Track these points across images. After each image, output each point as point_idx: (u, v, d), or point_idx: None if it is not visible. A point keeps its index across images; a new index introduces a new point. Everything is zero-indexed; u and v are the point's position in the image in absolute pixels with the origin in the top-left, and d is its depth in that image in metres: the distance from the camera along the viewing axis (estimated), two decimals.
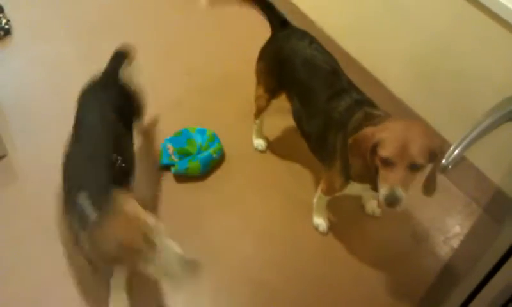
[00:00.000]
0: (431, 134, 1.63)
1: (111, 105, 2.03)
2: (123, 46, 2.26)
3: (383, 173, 1.62)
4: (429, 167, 1.65)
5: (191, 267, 1.52)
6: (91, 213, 1.56)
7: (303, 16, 3.08)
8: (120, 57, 2.23)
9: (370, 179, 1.69)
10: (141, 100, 2.23)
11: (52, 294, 1.99)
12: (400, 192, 1.57)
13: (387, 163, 1.59)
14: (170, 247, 1.52)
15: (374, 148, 1.62)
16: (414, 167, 1.57)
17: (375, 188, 1.72)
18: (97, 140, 1.90)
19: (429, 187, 1.72)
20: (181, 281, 1.52)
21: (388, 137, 1.59)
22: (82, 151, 1.89)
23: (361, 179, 1.77)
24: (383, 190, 1.61)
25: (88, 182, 1.72)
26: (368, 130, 1.66)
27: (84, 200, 1.62)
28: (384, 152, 1.58)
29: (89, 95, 2.08)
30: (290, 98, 2.19)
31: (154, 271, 1.53)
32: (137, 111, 2.24)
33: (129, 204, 1.55)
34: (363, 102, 1.89)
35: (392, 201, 1.59)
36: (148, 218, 1.52)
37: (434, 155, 1.59)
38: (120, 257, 1.50)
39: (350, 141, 1.71)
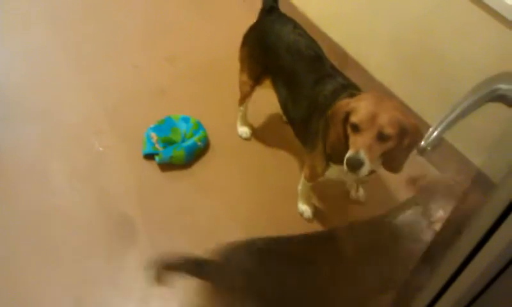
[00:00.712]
0: (403, 110, 1.65)
1: None
2: None
3: (351, 139, 1.65)
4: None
5: None
6: None
7: (285, 1, 3.07)
8: None
9: (343, 153, 1.69)
10: None
11: (37, 279, 1.97)
12: (363, 155, 1.59)
13: (356, 129, 1.62)
14: None
15: (347, 116, 1.65)
16: (382, 137, 1.59)
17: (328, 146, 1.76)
18: None
19: (392, 163, 1.74)
20: None
21: (360, 105, 1.62)
22: None
23: (335, 153, 1.78)
24: (348, 153, 1.63)
25: None
26: (343, 101, 1.70)
27: None
28: (354, 118, 1.61)
29: None
30: (274, 84, 2.19)
31: None
32: None
33: None
34: (349, 86, 1.91)
35: (353, 162, 1.60)
36: None
37: (404, 131, 1.61)
38: None
39: (329, 112, 1.74)
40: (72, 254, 2.06)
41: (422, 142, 0.98)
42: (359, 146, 1.60)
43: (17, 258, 2.03)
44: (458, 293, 1.00)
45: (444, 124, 0.96)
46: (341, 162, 1.69)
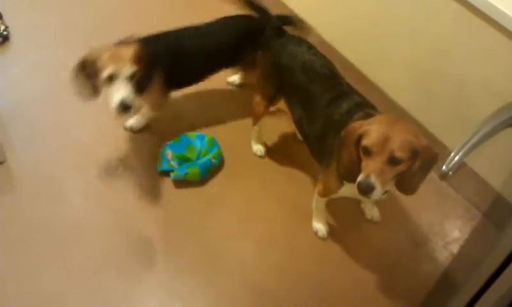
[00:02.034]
0: (415, 132, 1.65)
1: None
2: None
3: (363, 162, 1.65)
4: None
5: None
6: None
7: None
8: None
9: (355, 174, 1.69)
10: None
11: (51, 296, 1.98)
12: (373, 180, 1.59)
13: (368, 153, 1.62)
14: None
15: (359, 139, 1.65)
16: (393, 161, 1.59)
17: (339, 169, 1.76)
18: None
19: (406, 185, 1.72)
20: None
21: (372, 128, 1.62)
22: None
23: (347, 174, 1.78)
24: (359, 177, 1.63)
25: None
26: (357, 123, 1.70)
27: None
28: (366, 142, 1.61)
29: None
30: (289, 104, 2.20)
31: None
32: None
33: None
34: (364, 105, 1.91)
35: (364, 187, 1.60)
36: None
37: (416, 153, 1.61)
38: None
39: (343, 133, 1.74)
40: (87, 271, 2.06)
41: (444, 167, 0.98)
42: (370, 171, 1.60)
43: (32, 273, 2.04)
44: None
45: (466, 148, 0.96)
46: (354, 182, 1.69)
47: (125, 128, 2.64)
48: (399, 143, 1.57)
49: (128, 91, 2.08)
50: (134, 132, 2.64)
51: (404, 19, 2.43)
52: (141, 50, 2.14)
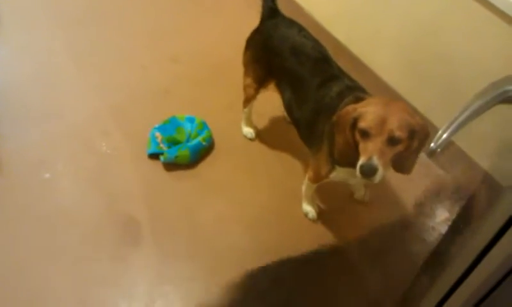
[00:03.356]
0: (411, 111, 1.64)
1: None
2: None
3: (362, 146, 1.63)
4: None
5: None
6: None
7: (292, 2, 3.07)
8: None
9: (352, 158, 1.68)
10: None
11: (42, 281, 1.97)
12: (376, 161, 1.57)
13: (366, 135, 1.60)
14: None
15: (355, 122, 1.63)
16: (392, 141, 1.58)
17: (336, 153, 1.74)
18: None
19: (403, 165, 1.72)
20: None
21: (368, 110, 1.61)
22: None
23: (343, 159, 1.77)
24: (360, 161, 1.62)
25: None
26: (350, 106, 1.68)
27: None
28: (363, 124, 1.60)
29: None
30: (279, 86, 2.18)
31: None
32: None
33: None
34: (355, 88, 1.90)
35: (367, 170, 1.59)
36: None
37: (413, 132, 1.60)
38: None
39: (334, 117, 1.72)
40: (76, 255, 2.06)
41: (432, 144, 0.97)
42: (371, 153, 1.58)
43: (21, 258, 2.03)
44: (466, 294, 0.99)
45: (453, 126, 0.95)
46: (349, 166, 1.68)
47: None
48: (397, 123, 1.56)
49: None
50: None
51: None
52: None
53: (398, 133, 1.57)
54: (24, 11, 3.23)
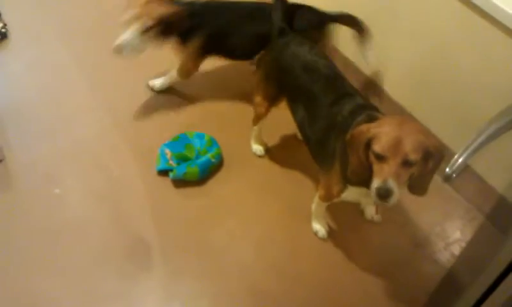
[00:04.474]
0: (426, 132, 1.63)
1: None
2: None
3: (376, 168, 1.61)
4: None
5: None
6: None
7: None
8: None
9: (365, 177, 1.67)
10: None
11: (48, 296, 1.96)
12: (392, 184, 1.55)
13: (380, 158, 1.58)
14: None
15: (369, 143, 1.62)
16: (407, 163, 1.56)
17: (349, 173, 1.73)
18: None
19: (418, 186, 1.69)
20: None
21: (382, 132, 1.58)
22: None
23: (357, 178, 1.75)
24: (375, 183, 1.60)
25: None
26: (364, 126, 1.66)
27: None
28: (378, 147, 1.57)
29: None
30: (291, 104, 2.17)
31: None
32: None
33: None
34: (367, 107, 1.88)
35: (383, 193, 1.57)
36: None
37: (428, 154, 1.58)
38: None
39: (347, 136, 1.70)
40: (84, 272, 2.05)
41: (447, 169, 0.96)
42: (386, 175, 1.56)
43: (28, 273, 2.03)
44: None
45: (469, 150, 0.94)
46: (362, 185, 1.66)
47: (148, 86, 2.83)
48: (411, 145, 1.54)
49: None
50: (155, 91, 2.84)
51: (406, 19, 2.41)
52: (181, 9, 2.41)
53: (413, 156, 1.54)
54: (33, 26, 3.25)
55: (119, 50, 2.34)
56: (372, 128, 1.62)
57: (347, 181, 1.82)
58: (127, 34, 2.32)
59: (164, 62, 2.85)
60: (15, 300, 1.95)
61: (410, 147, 1.53)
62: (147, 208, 2.29)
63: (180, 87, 2.88)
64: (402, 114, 2.55)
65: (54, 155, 2.47)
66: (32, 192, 2.32)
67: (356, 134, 1.67)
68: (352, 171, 1.73)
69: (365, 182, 1.66)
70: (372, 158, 1.62)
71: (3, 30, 3.11)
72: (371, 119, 1.74)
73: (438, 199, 2.42)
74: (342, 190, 1.89)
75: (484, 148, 1.03)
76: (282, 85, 2.18)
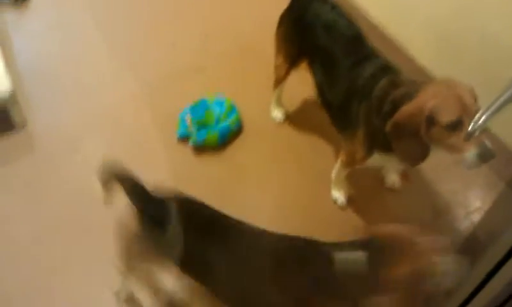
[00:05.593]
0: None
1: None
2: None
3: (453, 139, 1.52)
4: None
5: None
6: None
7: None
8: None
9: (423, 154, 1.61)
10: None
11: (71, 260, 2.01)
12: (488, 143, 1.49)
13: (454, 126, 1.50)
14: None
15: (430, 120, 1.53)
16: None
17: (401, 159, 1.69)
18: None
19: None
20: None
21: (441, 101, 1.51)
22: None
23: (417, 159, 1.68)
24: (471, 153, 1.50)
25: None
26: (410, 107, 1.56)
27: None
28: (450, 116, 1.50)
29: None
30: (311, 66, 2.13)
31: None
32: None
33: None
34: (388, 69, 1.82)
35: (487, 155, 1.50)
36: None
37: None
38: None
39: (389, 127, 1.61)
40: (101, 238, 2.07)
41: (470, 127, 0.94)
42: (480, 139, 1.49)
43: (45, 237, 2.07)
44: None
45: (493, 108, 0.91)
46: (420, 162, 1.63)
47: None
48: (473, 98, 1.49)
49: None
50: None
51: None
52: None
53: (477, 104, 1.49)
54: None
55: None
56: (425, 104, 1.53)
57: (374, 148, 1.78)
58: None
59: (183, 29, 2.83)
60: (32, 264, 2.00)
61: (473, 100, 1.49)
62: (167, 175, 2.30)
63: (201, 49, 2.85)
64: (426, 78, 2.51)
65: (76, 118, 2.49)
66: (54, 156, 2.35)
67: (404, 119, 1.58)
68: (407, 154, 1.66)
69: (423, 158, 1.61)
70: (438, 133, 1.54)
71: None
72: (393, 84, 1.70)
73: (459, 167, 2.38)
74: (366, 157, 1.85)
75: (506, 112, 1.00)
76: (303, 45, 2.13)
